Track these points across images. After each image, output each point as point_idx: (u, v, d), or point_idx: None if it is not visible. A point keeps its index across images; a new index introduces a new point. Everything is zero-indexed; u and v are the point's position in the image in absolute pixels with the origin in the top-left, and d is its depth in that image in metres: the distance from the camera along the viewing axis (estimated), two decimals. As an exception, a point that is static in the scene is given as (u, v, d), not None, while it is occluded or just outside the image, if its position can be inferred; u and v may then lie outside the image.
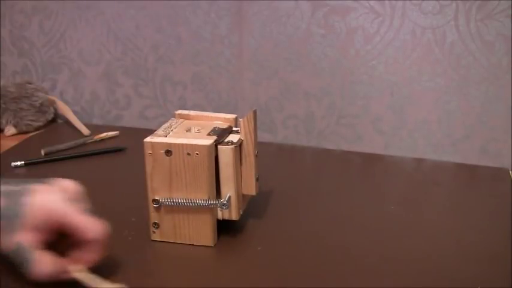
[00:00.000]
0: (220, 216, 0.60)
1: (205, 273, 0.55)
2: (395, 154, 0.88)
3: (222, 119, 0.64)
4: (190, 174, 0.56)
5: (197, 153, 0.55)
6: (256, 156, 0.60)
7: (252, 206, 0.66)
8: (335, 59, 0.87)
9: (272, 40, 0.89)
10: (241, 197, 0.61)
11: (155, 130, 0.60)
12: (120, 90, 1.00)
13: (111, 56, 0.99)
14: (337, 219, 0.66)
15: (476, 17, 0.78)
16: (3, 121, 0.96)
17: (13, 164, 0.80)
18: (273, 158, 0.86)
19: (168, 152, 0.56)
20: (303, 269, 0.56)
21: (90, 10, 0.97)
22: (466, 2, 0.78)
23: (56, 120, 1.03)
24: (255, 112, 0.59)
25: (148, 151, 0.56)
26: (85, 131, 0.96)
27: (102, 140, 0.92)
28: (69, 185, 0.52)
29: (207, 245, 0.59)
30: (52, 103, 1.00)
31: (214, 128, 0.61)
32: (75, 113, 1.00)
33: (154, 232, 0.60)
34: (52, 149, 0.86)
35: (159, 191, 0.58)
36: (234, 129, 0.62)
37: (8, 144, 0.91)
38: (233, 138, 0.59)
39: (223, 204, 0.57)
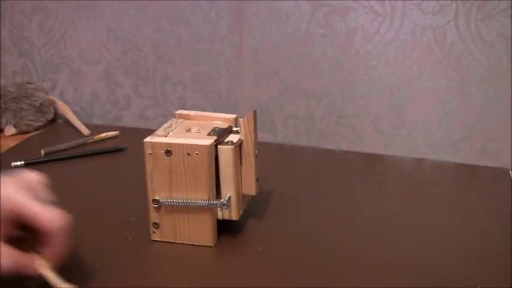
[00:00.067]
0: (220, 216, 0.60)
1: (205, 273, 0.55)
2: (395, 154, 0.88)
3: (222, 119, 0.64)
4: (190, 174, 0.56)
5: (197, 153, 0.55)
6: (256, 156, 0.60)
7: (252, 206, 0.66)
8: (335, 59, 0.87)
9: (272, 40, 0.89)
10: (241, 197, 0.61)
11: (155, 130, 0.60)
12: (120, 90, 1.00)
13: (111, 56, 0.99)
14: (337, 219, 0.66)
15: (476, 17, 0.78)
16: (3, 121, 0.96)
17: (13, 164, 0.80)
18: (273, 158, 0.86)
19: (168, 152, 0.56)
20: (303, 269, 0.56)
21: (90, 10, 0.97)
22: (466, 2, 0.78)
23: (56, 120, 1.03)
24: (255, 112, 0.59)
25: (148, 151, 0.56)
26: (85, 131, 0.96)
27: (102, 140, 0.92)
28: (30, 176, 0.51)
29: (207, 245, 0.59)
30: (52, 103, 1.00)
31: (214, 128, 0.61)
32: (75, 113, 1.00)
33: (154, 232, 0.60)
34: (52, 149, 0.86)
35: (159, 191, 0.58)
36: (234, 129, 0.62)
37: (8, 144, 0.91)
38: (233, 138, 0.59)
39: (223, 204, 0.57)
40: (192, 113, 0.65)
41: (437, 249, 0.60)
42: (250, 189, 0.61)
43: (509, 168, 0.83)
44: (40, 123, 0.98)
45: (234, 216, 0.60)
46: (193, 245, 0.59)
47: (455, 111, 0.84)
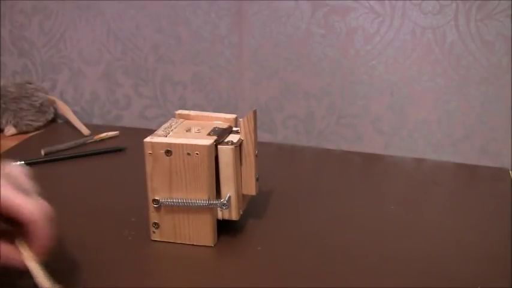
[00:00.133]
0: (220, 216, 0.60)
1: (205, 273, 0.55)
2: (395, 154, 0.88)
3: (222, 119, 0.64)
4: (190, 174, 0.56)
5: (197, 153, 0.55)
6: (256, 156, 0.60)
7: (252, 206, 0.66)
8: (335, 59, 0.87)
9: (272, 40, 0.89)
10: (241, 197, 0.61)
11: (155, 130, 0.60)
12: (120, 90, 1.00)
13: (111, 56, 0.99)
14: (337, 219, 0.66)
15: (476, 17, 0.78)
16: (3, 121, 0.96)
17: (13, 164, 0.80)
18: (273, 158, 0.86)
19: (168, 152, 0.56)
20: (303, 269, 0.56)
21: (90, 10, 0.97)
22: (466, 2, 0.78)
23: (56, 120, 1.03)
24: (255, 112, 0.59)
25: (148, 151, 0.56)
26: (85, 131, 0.96)
27: (102, 140, 0.92)
28: (13, 168, 0.51)
29: (207, 245, 0.59)
30: (52, 103, 1.00)
31: (214, 128, 0.61)
32: (75, 113, 1.00)
33: (154, 232, 0.60)
34: (52, 149, 0.86)
35: (159, 191, 0.58)
36: (234, 129, 0.62)
37: (8, 144, 0.91)
38: (233, 138, 0.59)
39: (223, 204, 0.57)
40: (192, 113, 0.65)
41: (437, 249, 0.60)
42: (250, 189, 0.61)
43: (509, 168, 0.83)
44: (40, 123, 0.98)
45: (234, 216, 0.60)
46: (193, 245, 0.59)
47: (455, 111, 0.84)
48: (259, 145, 0.61)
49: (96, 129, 0.95)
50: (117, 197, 0.71)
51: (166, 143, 0.56)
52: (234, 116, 0.64)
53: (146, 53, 0.97)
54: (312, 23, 0.86)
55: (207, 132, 0.59)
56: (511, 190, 0.75)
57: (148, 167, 0.57)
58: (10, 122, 0.96)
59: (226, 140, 0.59)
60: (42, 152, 0.85)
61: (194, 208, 0.57)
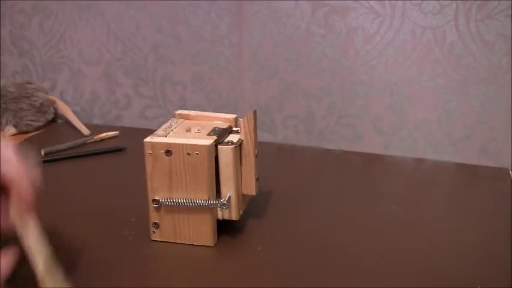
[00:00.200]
0: (220, 216, 0.60)
1: (205, 273, 0.55)
2: (395, 154, 0.88)
3: (222, 119, 0.64)
4: (190, 174, 0.56)
5: (197, 153, 0.55)
6: (256, 156, 0.60)
7: (252, 206, 0.66)
8: (335, 59, 0.87)
9: (272, 40, 0.89)
10: (241, 197, 0.61)
11: (155, 130, 0.60)
12: (120, 90, 1.00)
13: (111, 56, 0.99)
14: (337, 219, 0.66)
15: (476, 17, 0.78)
16: (3, 121, 0.96)
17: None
18: (273, 158, 0.86)
19: (168, 152, 0.56)
20: (303, 269, 0.56)
21: (90, 10, 0.97)
22: (466, 2, 0.78)
23: (56, 120, 1.03)
24: (255, 112, 0.59)
25: (148, 151, 0.56)
26: (85, 131, 0.96)
27: (102, 140, 0.92)
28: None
29: (207, 245, 0.59)
30: (52, 103, 1.00)
31: (214, 128, 0.61)
32: (75, 113, 1.00)
33: (154, 232, 0.60)
34: (52, 149, 0.86)
35: (159, 191, 0.58)
36: (234, 129, 0.62)
37: (8, 144, 0.90)
38: (233, 138, 0.59)
39: (223, 204, 0.57)
40: (192, 113, 0.65)
41: (437, 249, 0.60)
42: (250, 189, 0.61)
43: (509, 168, 0.83)
44: (40, 123, 0.98)
45: (234, 216, 0.60)
46: (193, 245, 0.59)
47: (455, 111, 0.84)
48: (259, 145, 0.61)
49: (96, 129, 0.95)
50: (117, 197, 0.71)
51: (166, 143, 0.56)
52: (234, 116, 0.64)
53: (146, 53, 0.97)
54: (312, 23, 0.86)
55: (207, 132, 0.59)
56: (511, 190, 0.75)
57: (148, 167, 0.57)
58: (10, 122, 0.96)
59: (226, 140, 0.59)
60: (42, 152, 0.85)
61: (194, 208, 0.57)
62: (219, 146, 0.57)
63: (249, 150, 0.59)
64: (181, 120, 0.64)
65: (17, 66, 1.05)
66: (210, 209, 0.58)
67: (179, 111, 0.66)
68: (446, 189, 0.77)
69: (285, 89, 0.91)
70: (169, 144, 0.56)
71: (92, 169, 0.81)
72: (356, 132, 0.90)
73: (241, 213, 0.61)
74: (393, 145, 0.89)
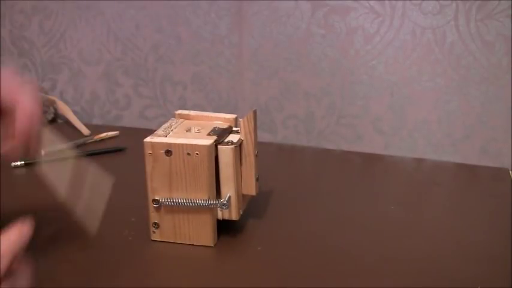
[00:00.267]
0: (220, 216, 0.60)
1: (205, 273, 0.55)
2: (395, 154, 0.88)
3: (222, 119, 0.64)
4: (190, 174, 0.56)
5: (197, 153, 0.55)
6: (256, 156, 0.60)
7: (252, 206, 0.66)
8: (335, 59, 0.87)
9: (272, 40, 0.89)
10: (241, 197, 0.61)
11: (155, 130, 0.60)
12: (120, 90, 1.00)
13: (111, 56, 0.99)
14: (337, 219, 0.66)
15: (476, 17, 0.78)
16: (3, 121, 0.96)
17: (13, 164, 0.80)
18: (273, 158, 0.86)
19: (168, 152, 0.56)
20: (303, 269, 0.56)
21: (90, 10, 0.97)
22: (466, 2, 0.78)
23: (56, 120, 1.03)
24: (255, 112, 0.59)
25: (148, 151, 0.56)
26: (85, 131, 0.96)
27: (102, 140, 0.92)
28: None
29: (207, 245, 0.59)
30: (52, 103, 1.00)
31: (214, 128, 0.61)
32: (75, 113, 1.00)
33: (154, 232, 0.60)
34: (52, 149, 0.86)
35: (159, 191, 0.58)
36: (234, 129, 0.62)
37: (8, 144, 0.90)
38: (233, 138, 0.59)
39: (223, 204, 0.57)
40: (192, 113, 0.65)
41: (437, 249, 0.60)
42: (250, 189, 0.61)
43: (509, 168, 0.83)
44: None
45: (234, 216, 0.60)
46: (193, 245, 0.59)
47: (455, 111, 0.84)
48: (259, 145, 0.61)
49: (96, 129, 0.95)
50: (117, 197, 0.71)
51: (166, 143, 0.56)
52: (234, 116, 0.64)
53: (146, 53, 0.97)
54: (312, 23, 0.86)
55: (207, 132, 0.59)
56: (511, 190, 0.75)
57: (148, 167, 0.57)
58: (10, 122, 0.96)
59: (226, 140, 0.59)
60: (43, 152, 0.85)
61: (194, 208, 0.57)
62: (219, 146, 0.57)
63: (249, 150, 0.59)
64: (181, 120, 0.64)
65: (17, 66, 1.05)
66: (210, 209, 0.58)
67: (179, 111, 0.66)
68: (446, 189, 0.77)
69: (285, 89, 0.91)
70: (169, 144, 0.56)
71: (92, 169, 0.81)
72: (356, 132, 0.90)
73: (241, 213, 0.61)
74: (393, 145, 0.89)
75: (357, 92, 0.88)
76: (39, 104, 0.49)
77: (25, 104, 0.48)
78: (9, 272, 0.37)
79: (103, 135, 0.93)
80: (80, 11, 0.98)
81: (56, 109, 1.02)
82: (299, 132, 0.93)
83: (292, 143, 0.93)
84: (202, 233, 0.59)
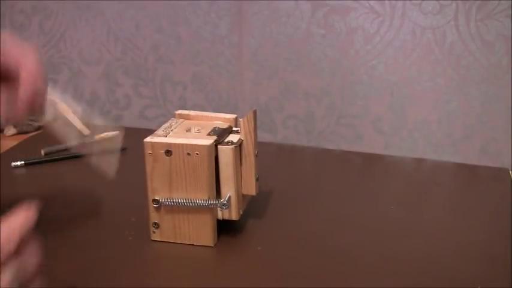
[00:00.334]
0: (220, 216, 0.60)
1: (205, 273, 0.55)
2: (395, 154, 0.88)
3: (222, 119, 0.64)
4: (190, 174, 0.56)
5: (197, 153, 0.55)
6: (256, 156, 0.60)
7: (252, 206, 0.66)
8: (335, 59, 0.87)
9: (272, 40, 0.89)
10: (241, 197, 0.61)
11: (155, 130, 0.60)
12: (120, 90, 1.00)
13: (111, 56, 0.99)
14: (337, 219, 0.66)
15: (476, 17, 0.78)
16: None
17: (13, 164, 0.80)
18: (273, 158, 0.86)
19: (168, 152, 0.56)
20: (303, 269, 0.56)
21: (90, 10, 0.97)
22: (466, 2, 0.78)
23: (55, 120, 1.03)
24: (255, 112, 0.59)
25: (148, 151, 0.56)
26: (85, 131, 0.95)
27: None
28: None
29: (207, 245, 0.59)
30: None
31: (214, 128, 0.61)
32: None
33: (154, 232, 0.60)
34: (52, 149, 0.86)
35: (159, 191, 0.58)
36: (234, 129, 0.62)
37: (8, 144, 0.91)
38: (233, 138, 0.59)
39: (223, 204, 0.57)
40: (192, 113, 0.65)
41: (437, 249, 0.60)
42: (250, 189, 0.61)
43: (509, 168, 0.83)
44: (40, 123, 0.98)
45: (234, 216, 0.60)
46: (193, 245, 0.59)
47: (455, 111, 0.84)
48: (259, 145, 0.61)
49: (96, 129, 0.95)
50: (117, 197, 0.71)
51: (166, 143, 0.56)
52: (234, 116, 0.64)
53: (146, 53, 0.97)
54: (312, 23, 0.86)
55: (207, 132, 0.59)
56: (511, 190, 0.75)
57: (148, 167, 0.57)
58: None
59: (226, 140, 0.59)
60: (42, 152, 0.85)
61: (194, 208, 0.57)
62: (219, 146, 0.57)
63: (249, 150, 0.59)
64: (181, 120, 0.64)
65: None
66: (210, 209, 0.58)
67: (179, 111, 0.66)
68: (446, 189, 0.77)
69: (285, 89, 0.91)
70: (169, 144, 0.56)
71: (91, 169, 0.81)
72: (356, 132, 0.90)
73: (241, 213, 0.61)
74: (393, 145, 0.89)
75: (357, 92, 0.87)
76: (42, 64, 0.49)
77: (28, 65, 0.49)
78: (17, 253, 0.38)
79: (103, 135, 0.93)
80: (80, 11, 0.98)
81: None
82: (299, 132, 0.93)
83: (292, 143, 0.93)
84: (202, 233, 0.59)
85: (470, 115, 0.84)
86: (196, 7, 0.91)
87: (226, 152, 0.57)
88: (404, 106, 0.86)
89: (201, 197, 0.57)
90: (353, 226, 0.65)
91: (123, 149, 0.88)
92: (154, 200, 0.58)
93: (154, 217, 0.59)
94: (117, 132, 0.94)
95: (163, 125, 0.62)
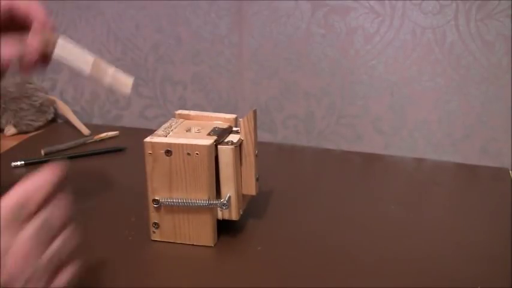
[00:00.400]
0: (220, 216, 0.60)
1: (205, 273, 0.55)
2: (395, 154, 0.88)
3: (222, 119, 0.64)
4: (190, 174, 0.56)
5: (197, 153, 0.55)
6: (256, 156, 0.60)
7: (252, 206, 0.66)
8: (335, 59, 0.87)
9: (272, 40, 0.89)
10: (241, 197, 0.61)
11: (155, 130, 0.60)
12: (120, 90, 1.00)
13: (111, 56, 0.99)
14: (337, 219, 0.66)
15: (476, 17, 0.78)
16: (3, 121, 0.96)
17: (13, 164, 0.80)
18: (273, 158, 0.86)
19: (168, 152, 0.56)
20: (303, 269, 0.56)
21: (90, 10, 0.97)
22: (466, 2, 0.78)
23: (56, 120, 1.03)
24: (255, 112, 0.59)
25: (148, 151, 0.56)
26: (85, 131, 0.96)
27: (102, 140, 0.92)
28: None
29: (207, 245, 0.59)
30: (52, 103, 1.00)
31: (214, 128, 0.61)
32: (75, 113, 1.00)
33: (154, 232, 0.60)
34: (52, 149, 0.86)
35: (159, 191, 0.58)
36: (234, 129, 0.62)
37: (8, 144, 0.91)
38: (233, 138, 0.59)
39: (223, 204, 0.57)
40: (192, 113, 0.65)
41: (437, 249, 0.60)
42: (250, 189, 0.61)
43: (509, 168, 0.83)
44: (40, 123, 0.98)
45: (234, 216, 0.60)
46: (193, 245, 0.59)
47: (455, 111, 0.84)
48: (259, 145, 0.61)
49: (96, 129, 0.95)
50: (117, 197, 0.71)
51: (166, 143, 0.56)
52: (234, 116, 0.64)
53: (146, 53, 0.97)
54: (312, 23, 0.86)
55: (207, 132, 0.59)
56: (511, 190, 0.75)
57: (149, 167, 0.57)
58: (10, 122, 0.96)
59: (226, 140, 0.59)
60: (42, 152, 0.85)
61: (194, 208, 0.57)
62: (219, 146, 0.57)
63: (249, 150, 0.59)
64: (181, 120, 0.64)
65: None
66: (210, 209, 0.58)
67: (179, 111, 0.66)
68: (446, 189, 0.77)
69: (285, 89, 0.91)
70: (169, 144, 0.56)
71: (92, 169, 0.81)
72: (356, 132, 0.90)
73: (241, 213, 0.61)
74: (393, 145, 0.89)
75: (356, 92, 0.87)
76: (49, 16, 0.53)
77: (38, 15, 0.53)
78: (45, 205, 0.40)
79: (103, 135, 0.93)
80: (80, 11, 0.98)
81: (56, 109, 1.02)
82: (299, 132, 0.93)
83: (292, 143, 0.93)
84: (202, 233, 0.59)
85: (470, 115, 0.84)
86: (196, 7, 0.91)
87: (226, 152, 0.57)
88: (404, 106, 0.86)
89: (201, 197, 0.57)
90: (353, 226, 0.65)
91: (123, 149, 0.88)
92: (154, 200, 0.58)
93: (154, 217, 0.59)
94: (117, 132, 0.94)
95: (163, 125, 0.62)
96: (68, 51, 0.54)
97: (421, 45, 0.82)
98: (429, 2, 0.80)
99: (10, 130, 0.96)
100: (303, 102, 0.91)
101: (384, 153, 0.88)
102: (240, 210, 0.61)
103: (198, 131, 0.60)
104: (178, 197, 0.57)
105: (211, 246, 0.59)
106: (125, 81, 0.55)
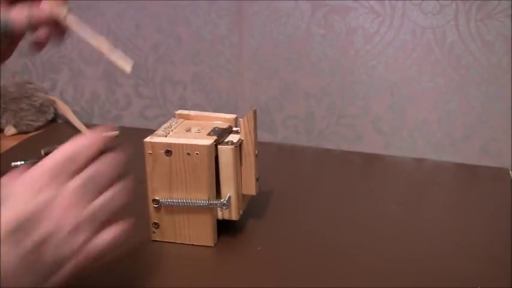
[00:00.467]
0: (220, 216, 0.60)
1: (205, 273, 0.55)
2: (395, 154, 0.88)
3: (222, 119, 0.64)
4: (190, 174, 0.56)
5: (197, 153, 0.55)
6: (256, 156, 0.60)
7: (252, 206, 0.66)
8: (335, 59, 0.87)
9: (272, 40, 0.89)
10: (241, 197, 0.61)
11: (155, 130, 0.60)
12: (120, 90, 1.00)
13: (111, 56, 0.99)
14: (337, 219, 0.66)
15: (476, 17, 0.78)
16: (3, 121, 0.96)
17: (13, 164, 0.80)
18: (273, 158, 0.86)
19: (168, 152, 0.56)
20: (303, 269, 0.56)
21: (90, 10, 0.97)
22: (466, 2, 0.78)
23: (56, 120, 1.03)
24: (255, 112, 0.59)
25: (148, 151, 0.56)
26: (85, 131, 0.96)
27: (102, 140, 0.92)
28: None
29: (207, 245, 0.59)
30: (52, 103, 1.00)
31: (214, 128, 0.61)
32: (75, 113, 1.00)
33: (154, 232, 0.60)
34: (52, 149, 0.86)
35: (159, 191, 0.58)
36: (234, 129, 0.62)
37: (8, 144, 0.91)
38: (233, 138, 0.59)
39: (223, 204, 0.57)
40: (192, 113, 0.65)
41: (437, 249, 0.60)
42: (250, 189, 0.61)
43: (509, 168, 0.83)
44: (40, 123, 0.98)
45: (234, 216, 0.60)
46: (193, 245, 0.59)
47: (455, 111, 0.84)
48: (259, 145, 0.61)
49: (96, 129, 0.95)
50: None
51: (166, 143, 0.56)
52: (234, 116, 0.64)
53: (146, 53, 0.97)
54: (312, 23, 0.86)
55: (207, 132, 0.59)
56: (511, 190, 0.75)
57: (149, 167, 0.57)
58: (10, 122, 0.96)
59: (226, 140, 0.59)
60: (42, 152, 0.85)
61: (194, 208, 0.57)
62: (219, 146, 0.57)
63: (249, 150, 0.59)
64: (181, 120, 0.64)
65: (17, 66, 1.05)
66: (210, 209, 0.58)
67: (179, 111, 0.66)
68: (446, 189, 0.77)
69: (285, 89, 0.91)
70: (169, 144, 0.56)
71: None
72: (356, 132, 0.90)
73: (241, 213, 0.61)
74: (393, 145, 0.89)
75: (356, 92, 0.88)
76: None
77: None
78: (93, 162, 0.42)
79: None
80: (80, 11, 0.97)
81: (56, 109, 1.02)
82: (299, 132, 0.93)
83: (292, 143, 0.93)
84: (202, 233, 0.59)
85: (470, 115, 0.84)
86: (196, 7, 0.91)
87: (226, 152, 0.57)
88: (404, 106, 0.86)
89: (201, 197, 0.57)
90: (353, 226, 0.65)
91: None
92: (154, 200, 0.58)
93: (154, 217, 0.59)
94: (117, 132, 0.94)
95: (163, 125, 0.62)
96: (78, 25, 0.54)
97: (421, 45, 0.82)
98: (429, 2, 0.80)
99: (10, 130, 0.96)
100: (303, 102, 0.91)
101: (383, 153, 0.88)
102: (240, 210, 0.61)
103: (198, 131, 0.60)
104: (178, 197, 0.57)
105: (211, 246, 0.59)
106: (126, 62, 0.56)
